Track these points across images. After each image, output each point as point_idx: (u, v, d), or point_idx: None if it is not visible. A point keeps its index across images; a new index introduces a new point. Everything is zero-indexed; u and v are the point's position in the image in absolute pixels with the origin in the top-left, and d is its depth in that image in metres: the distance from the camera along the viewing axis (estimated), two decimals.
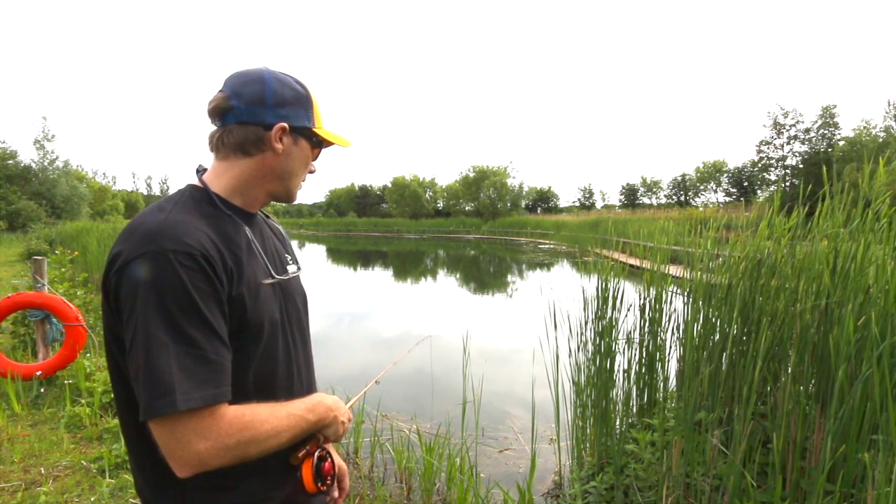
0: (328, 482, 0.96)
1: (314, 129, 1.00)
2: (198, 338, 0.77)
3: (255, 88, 0.93)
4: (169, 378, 0.74)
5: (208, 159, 1.01)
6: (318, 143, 1.02)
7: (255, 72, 0.96)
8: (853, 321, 1.82)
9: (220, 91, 0.95)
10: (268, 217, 1.13)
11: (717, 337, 2.49)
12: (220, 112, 0.94)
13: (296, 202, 1.05)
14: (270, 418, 0.83)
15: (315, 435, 0.95)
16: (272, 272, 0.96)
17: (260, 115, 0.93)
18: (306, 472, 0.92)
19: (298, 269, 1.13)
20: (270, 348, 0.92)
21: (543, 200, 71.49)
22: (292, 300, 1.02)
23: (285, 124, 0.95)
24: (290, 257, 1.11)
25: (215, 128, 0.96)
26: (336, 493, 1.12)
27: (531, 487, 2.59)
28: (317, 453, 0.94)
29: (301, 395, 0.96)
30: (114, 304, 0.82)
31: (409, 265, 21.94)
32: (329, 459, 0.98)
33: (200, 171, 0.99)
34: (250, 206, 0.99)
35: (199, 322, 0.78)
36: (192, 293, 0.77)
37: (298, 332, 1.03)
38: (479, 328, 8.24)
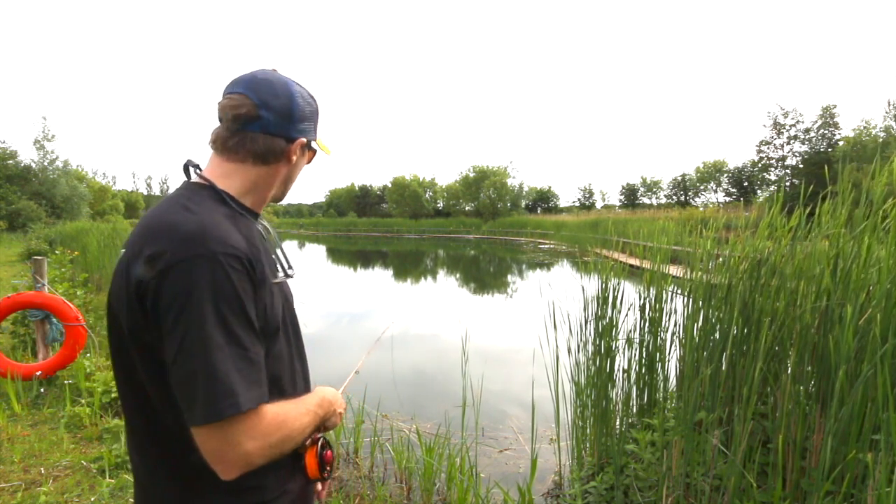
0: (328, 469, 1.00)
1: (315, 141, 1.06)
2: (245, 339, 0.79)
3: (284, 103, 0.95)
4: (230, 380, 0.75)
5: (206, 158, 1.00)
6: (314, 151, 1.09)
7: (281, 83, 0.96)
8: (854, 321, 1.82)
9: (243, 95, 0.92)
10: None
11: (717, 337, 2.49)
12: (246, 119, 0.92)
13: (296, 202, 1.06)
14: (299, 415, 0.88)
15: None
16: (280, 272, 0.97)
17: (286, 130, 0.96)
18: (310, 460, 0.95)
19: (290, 267, 1.13)
20: (280, 347, 0.95)
21: (543, 200, 71.46)
22: (288, 299, 1.03)
23: (304, 140, 1.00)
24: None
25: (226, 128, 0.93)
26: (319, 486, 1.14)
27: (531, 488, 2.59)
28: (320, 441, 0.98)
29: (300, 392, 0.99)
30: (151, 307, 0.78)
31: (409, 265, 21.94)
32: (329, 448, 1.01)
33: (194, 165, 0.96)
34: (258, 206, 1.00)
35: (246, 324, 0.79)
36: (241, 295, 0.79)
37: (293, 330, 1.04)
38: (478, 328, 8.24)
